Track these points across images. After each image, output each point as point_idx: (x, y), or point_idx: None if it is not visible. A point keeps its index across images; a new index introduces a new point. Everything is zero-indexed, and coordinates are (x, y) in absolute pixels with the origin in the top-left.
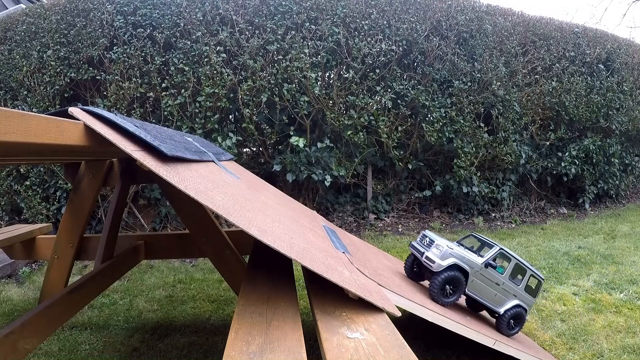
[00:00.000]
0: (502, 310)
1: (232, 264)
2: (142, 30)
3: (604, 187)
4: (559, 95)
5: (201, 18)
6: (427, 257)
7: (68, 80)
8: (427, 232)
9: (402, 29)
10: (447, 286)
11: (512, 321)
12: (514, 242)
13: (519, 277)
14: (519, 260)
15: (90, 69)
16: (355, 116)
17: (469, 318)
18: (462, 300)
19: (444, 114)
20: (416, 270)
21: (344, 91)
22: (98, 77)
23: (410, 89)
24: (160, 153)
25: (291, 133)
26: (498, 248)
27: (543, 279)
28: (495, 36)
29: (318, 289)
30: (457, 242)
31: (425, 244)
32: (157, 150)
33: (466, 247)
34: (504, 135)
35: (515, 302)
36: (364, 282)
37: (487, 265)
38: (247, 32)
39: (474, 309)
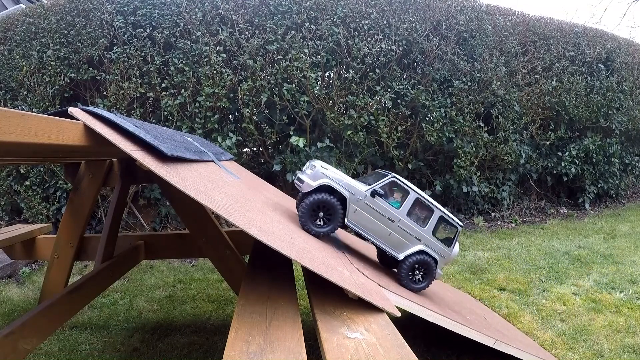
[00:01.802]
0: (402, 256)
1: (232, 264)
2: (142, 30)
3: (604, 186)
4: (559, 95)
5: (201, 18)
6: (298, 179)
7: (68, 80)
8: (314, 160)
9: (402, 29)
10: (321, 213)
11: (417, 272)
12: (514, 242)
13: (424, 217)
14: (420, 196)
15: (90, 69)
16: (355, 116)
17: (469, 318)
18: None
19: (444, 114)
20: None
21: (344, 91)
22: (98, 77)
23: (410, 88)
24: (160, 153)
25: (291, 133)
26: (391, 176)
27: (460, 225)
28: (495, 36)
29: (318, 289)
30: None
31: (304, 169)
32: (157, 150)
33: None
34: (504, 135)
35: (419, 247)
36: (363, 282)
37: (373, 193)
38: (247, 32)
39: (386, 264)
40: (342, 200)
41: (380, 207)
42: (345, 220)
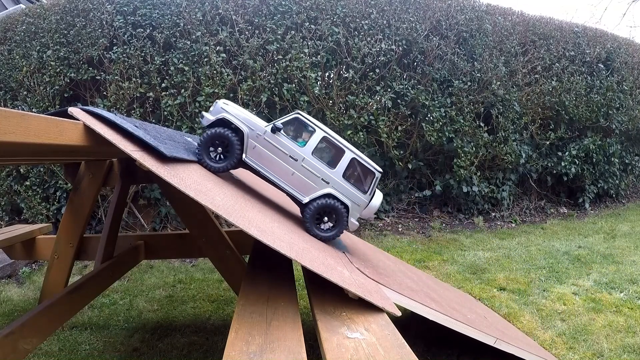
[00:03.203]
0: (306, 199)
1: (232, 264)
2: (142, 30)
3: (604, 186)
4: (559, 94)
5: (201, 18)
6: (201, 115)
7: (68, 80)
8: (220, 100)
9: (401, 29)
10: (219, 148)
11: (324, 217)
12: (514, 242)
13: (333, 158)
14: (329, 135)
15: (90, 69)
16: (355, 116)
17: (469, 317)
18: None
19: (443, 114)
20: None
21: (344, 91)
22: (98, 77)
23: (410, 88)
24: (160, 154)
25: None
26: (294, 112)
27: (378, 171)
28: (495, 36)
29: (318, 289)
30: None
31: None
32: (157, 150)
33: None
34: (503, 134)
35: (326, 190)
36: (363, 282)
37: (274, 129)
38: (246, 32)
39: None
40: (239, 134)
41: (281, 144)
42: (243, 156)
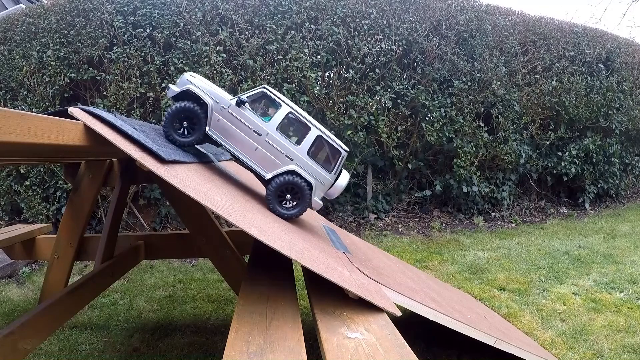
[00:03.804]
0: (269, 175)
1: (232, 264)
2: (142, 30)
3: (604, 186)
4: (559, 94)
5: (201, 18)
6: (167, 87)
7: (68, 80)
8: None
9: (402, 29)
10: (185, 122)
11: (287, 195)
12: (514, 242)
13: (298, 134)
14: (295, 110)
15: (90, 69)
16: (355, 116)
17: (469, 317)
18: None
19: (443, 114)
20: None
21: (344, 91)
22: (98, 77)
23: (410, 88)
24: (158, 157)
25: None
26: (261, 87)
27: (345, 150)
28: (495, 36)
29: (318, 289)
30: None
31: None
32: (155, 154)
33: None
34: (503, 134)
35: (290, 167)
36: (364, 282)
37: (239, 102)
38: (247, 32)
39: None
40: (204, 106)
41: (246, 118)
42: (206, 129)
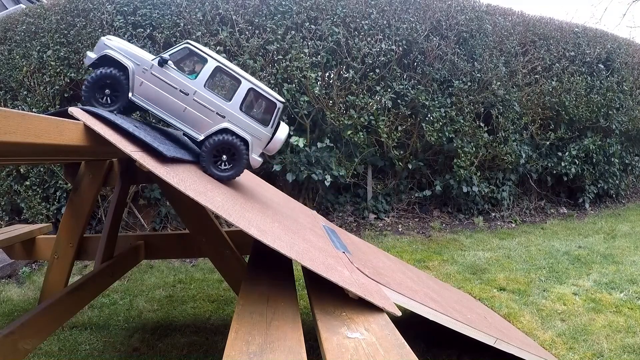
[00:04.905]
0: (201, 136)
1: (232, 264)
2: (142, 30)
3: (604, 186)
4: (559, 95)
5: (201, 18)
6: (84, 55)
7: (68, 80)
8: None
9: (402, 29)
10: (107, 90)
11: (223, 156)
12: (514, 242)
13: (228, 89)
14: (222, 64)
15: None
16: (355, 116)
17: (469, 317)
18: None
19: (444, 114)
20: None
21: (344, 91)
22: None
23: (410, 88)
24: (160, 154)
25: (291, 133)
26: (184, 42)
27: (280, 101)
28: (495, 36)
29: (318, 289)
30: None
31: None
32: (157, 151)
33: None
34: (504, 135)
35: (222, 125)
36: (364, 282)
37: (161, 61)
38: (247, 32)
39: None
40: (124, 70)
41: (170, 77)
42: (130, 95)
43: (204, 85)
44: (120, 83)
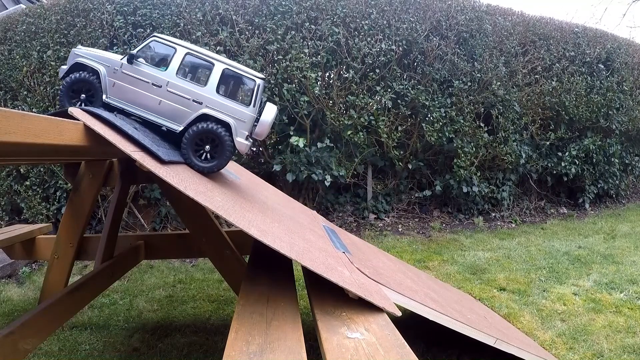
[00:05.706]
0: (180, 127)
1: (232, 264)
2: (142, 30)
3: (604, 186)
4: (559, 95)
5: (201, 18)
6: (59, 68)
7: None
8: None
9: (402, 29)
10: (82, 95)
11: (205, 146)
12: (514, 242)
13: (202, 74)
14: (191, 50)
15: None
16: (355, 116)
17: (469, 317)
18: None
19: (444, 114)
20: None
21: (344, 91)
22: None
23: (410, 88)
24: (157, 158)
25: (291, 133)
26: (151, 36)
27: (259, 77)
28: (495, 36)
29: (318, 289)
30: None
31: None
32: (154, 154)
33: None
34: (504, 135)
35: (201, 111)
36: (364, 282)
37: (130, 58)
38: (247, 32)
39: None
40: (96, 74)
41: (141, 72)
42: (104, 97)
43: (176, 74)
44: (93, 85)
